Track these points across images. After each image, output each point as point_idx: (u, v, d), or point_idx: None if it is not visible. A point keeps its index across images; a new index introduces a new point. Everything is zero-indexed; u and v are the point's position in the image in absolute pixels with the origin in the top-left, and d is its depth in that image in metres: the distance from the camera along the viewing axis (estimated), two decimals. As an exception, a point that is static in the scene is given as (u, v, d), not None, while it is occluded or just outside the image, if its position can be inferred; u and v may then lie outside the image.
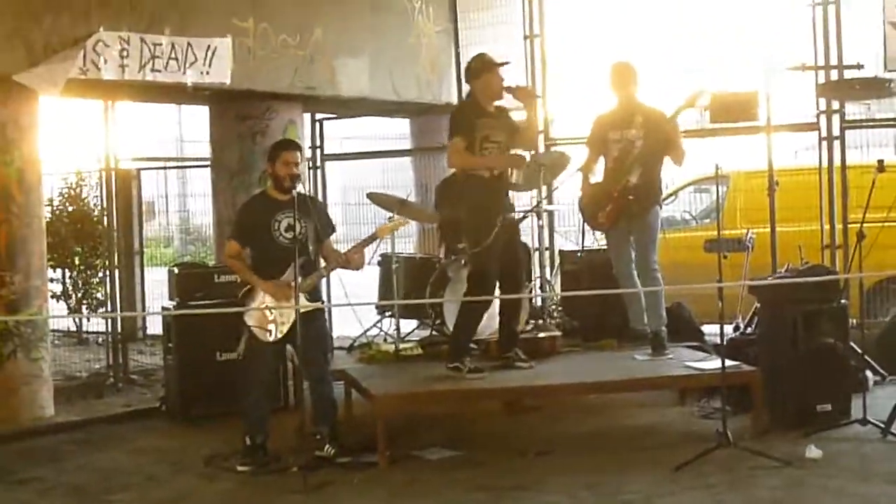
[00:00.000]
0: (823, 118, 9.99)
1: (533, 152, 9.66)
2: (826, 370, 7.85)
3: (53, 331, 11.56)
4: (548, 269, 11.09)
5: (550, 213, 11.28)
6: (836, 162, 9.94)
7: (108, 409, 9.48)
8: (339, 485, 6.98)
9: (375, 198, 9.80)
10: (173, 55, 9.08)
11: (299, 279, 7.21)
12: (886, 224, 8.19)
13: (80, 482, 7.33)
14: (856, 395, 7.85)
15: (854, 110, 10.19)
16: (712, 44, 12.11)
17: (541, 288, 10.55)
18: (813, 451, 7.09)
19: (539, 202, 10.46)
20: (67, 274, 12.57)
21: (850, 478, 6.67)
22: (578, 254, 10.11)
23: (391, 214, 8.85)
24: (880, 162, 7.97)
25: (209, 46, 9.31)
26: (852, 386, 8.01)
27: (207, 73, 9.34)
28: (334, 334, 10.36)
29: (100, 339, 12.20)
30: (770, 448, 7.17)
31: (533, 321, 9.33)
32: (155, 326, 11.90)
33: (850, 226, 9.49)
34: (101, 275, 12.09)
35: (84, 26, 8.59)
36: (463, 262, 8.98)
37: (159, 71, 9.00)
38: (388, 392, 7.90)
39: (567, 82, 11.89)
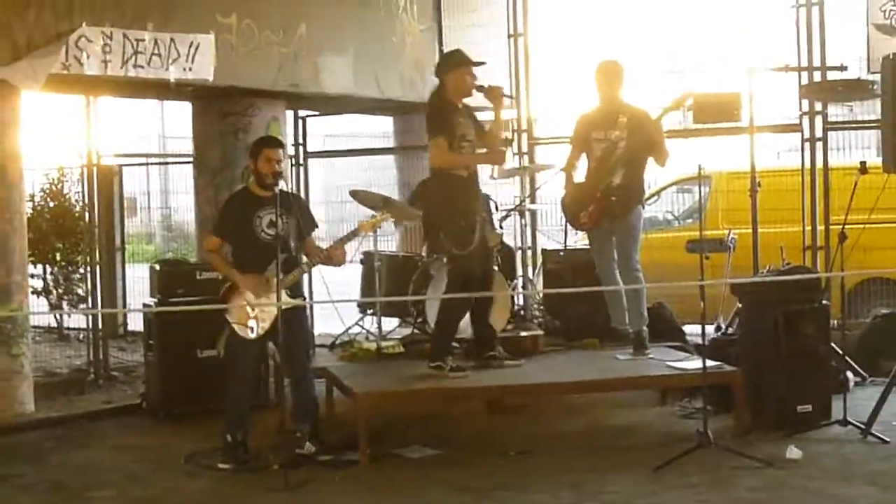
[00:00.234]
0: (806, 119, 10.01)
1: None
2: (807, 371, 7.86)
3: (34, 327, 11.49)
4: (530, 269, 11.10)
5: (533, 212, 11.30)
6: (819, 163, 9.95)
7: (89, 406, 9.44)
8: (320, 483, 6.96)
9: (359, 195, 9.74)
10: (156, 51, 9.04)
11: (281, 275, 7.20)
12: (868, 226, 8.22)
13: (60, 479, 7.30)
14: (836, 396, 7.86)
15: (837, 112, 10.22)
16: (696, 45, 12.16)
17: (523, 287, 10.55)
18: (793, 452, 7.11)
19: (522, 201, 10.48)
20: (48, 270, 12.50)
21: (830, 478, 6.69)
22: (561, 253, 10.11)
23: (373, 213, 8.82)
24: (863, 164, 7.97)
25: (192, 42, 9.27)
26: (833, 387, 8.02)
27: (190, 69, 9.29)
28: (316, 332, 10.33)
29: (81, 336, 12.13)
30: (751, 448, 7.20)
31: (514, 320, 9.33)
32: (136, 323, 11.84)
33: (832, 227, 9.51)
34: (82, 271, 12.03)
35: (67, 21, 8.54)
36: (445, 260, 8.96)
37: (142, 67, 8.96)
38: (370, 390, 7.90)
39: (551, 81, 11.90)
